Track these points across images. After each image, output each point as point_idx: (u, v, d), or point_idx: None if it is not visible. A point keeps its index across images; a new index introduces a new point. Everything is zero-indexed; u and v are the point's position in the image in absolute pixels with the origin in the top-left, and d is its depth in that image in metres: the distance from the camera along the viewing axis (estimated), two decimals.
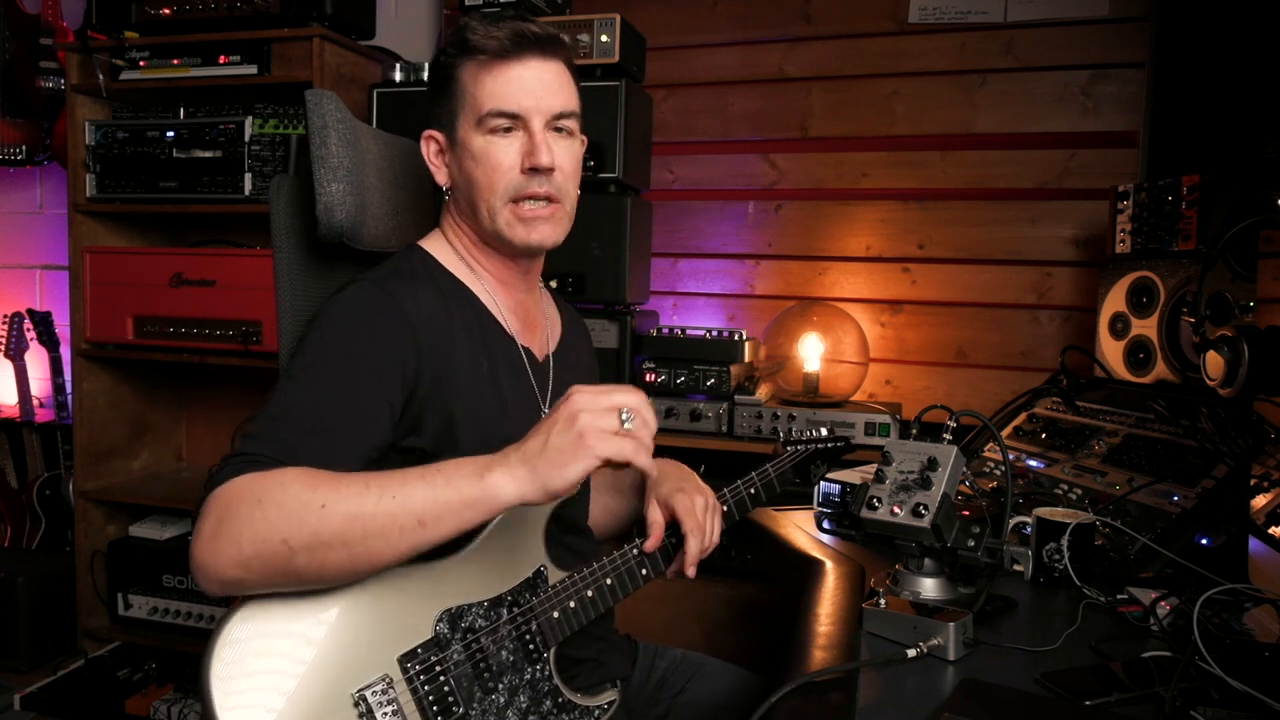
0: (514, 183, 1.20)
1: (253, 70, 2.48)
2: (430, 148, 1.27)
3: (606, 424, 0.97)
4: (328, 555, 0.95)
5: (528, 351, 1.29)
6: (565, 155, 1.22)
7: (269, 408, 1.06)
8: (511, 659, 1.13)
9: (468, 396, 1.17)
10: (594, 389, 0.99)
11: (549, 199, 1.21)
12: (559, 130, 1.23)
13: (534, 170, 1.19)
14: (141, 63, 2.55)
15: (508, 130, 1.20)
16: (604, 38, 2.27)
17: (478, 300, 1.26)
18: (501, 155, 1.19)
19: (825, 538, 1.53)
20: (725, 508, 1.34)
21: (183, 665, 2.70)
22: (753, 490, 1.40)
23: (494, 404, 1.21)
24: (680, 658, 1.47)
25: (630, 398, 0.99)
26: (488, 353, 1.22)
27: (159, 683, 2.73)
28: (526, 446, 0.98)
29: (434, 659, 1.07)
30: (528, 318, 1.33)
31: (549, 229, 1.23)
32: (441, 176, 1.27)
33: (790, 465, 1.49)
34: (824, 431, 1.58)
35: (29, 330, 2.97)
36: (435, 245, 1.29)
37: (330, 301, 1.16)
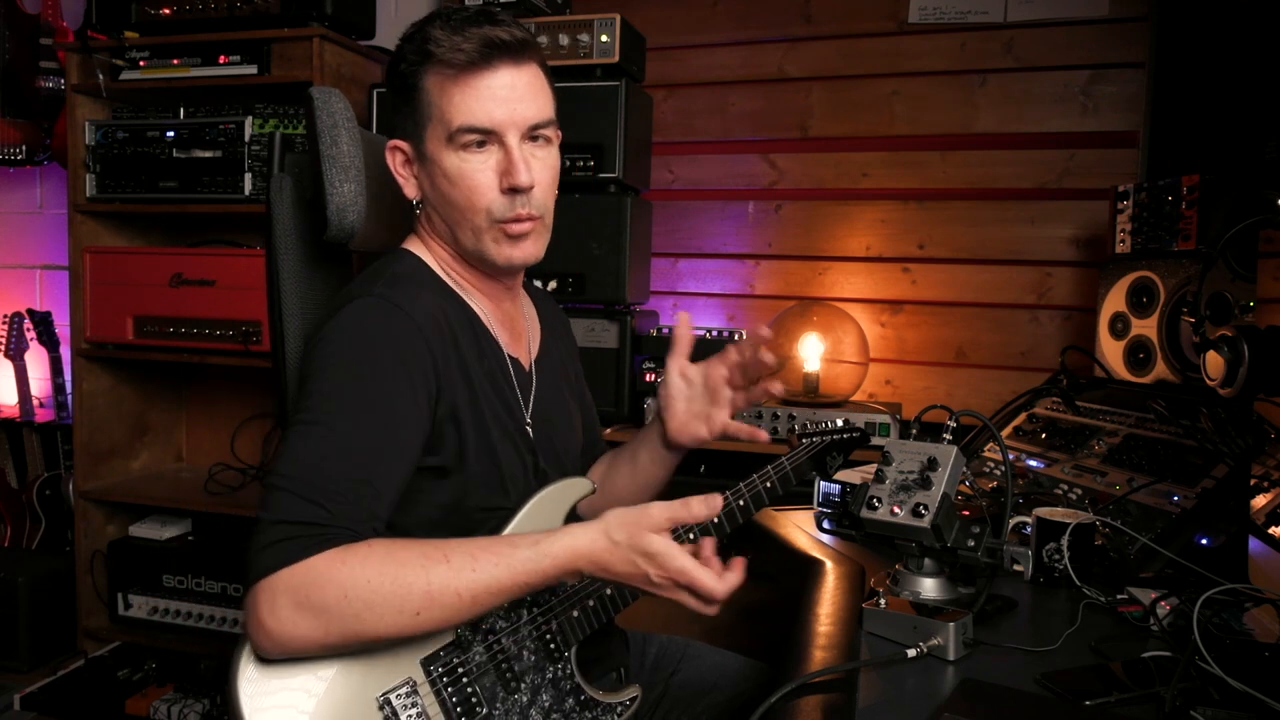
0: (496, 205, 1.14)
1: (253, 70, 2.48)
2: (396, 158, 1.20)
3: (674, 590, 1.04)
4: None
5: (514, 361, 1.26)
6: (543, 169, 1.17)
7: (307, 454, 1.00)
8: (533, 658, 1.13)
9: (473, 408, 1.15)
10: (679, 568, 1.02)
11: (529, 217, 1.17)
12: (535, 139, 1.17)
13: (513, 190, 1.14)
14: (141, 63, 2.55)
15: (481, 145, 1.13)
16: (604, 38, 2.27)
17: (470, 309, 1.22)
18: (478, 175, 1.13)
19: (825, 538, 1.53)
20: (741, 502, 1.28)
21: (183, 665, 2.70)
22: (769, 484, 1.32)
23: (490, 416, 1.18)
24: (666, 642, 1.49)
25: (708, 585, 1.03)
26: (484, 363, 1.19)
27: (159, 683, 2.73)
28: (611, 566, 1.03)
29: (456, 661, 1.08)
30: (513, 326, 1.30)
31: (532, 246, 1.19)
32: (410, 189, 1.21)
33: (807, 457, 1.44)
34: (840, 423, 1.56)
35: (29, 330, 2.97)
36: (420, 252, 1.24)
37: (336, 322, 1.09)
